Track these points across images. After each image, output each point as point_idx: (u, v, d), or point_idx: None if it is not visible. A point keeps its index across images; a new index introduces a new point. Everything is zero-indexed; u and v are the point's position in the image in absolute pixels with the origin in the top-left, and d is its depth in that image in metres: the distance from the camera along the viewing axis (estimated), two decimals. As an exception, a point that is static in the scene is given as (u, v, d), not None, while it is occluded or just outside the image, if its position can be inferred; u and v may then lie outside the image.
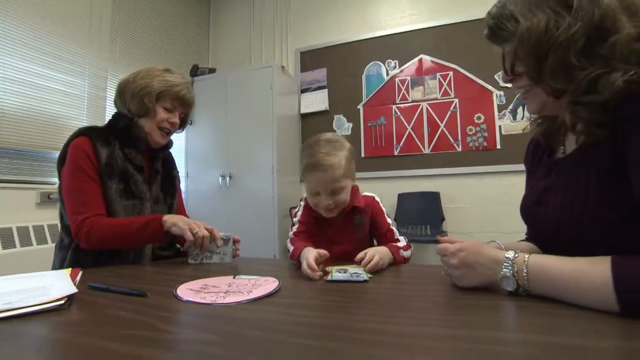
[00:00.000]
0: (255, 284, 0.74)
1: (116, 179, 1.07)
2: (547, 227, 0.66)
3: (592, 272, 0.49)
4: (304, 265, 0.81)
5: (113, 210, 1.05)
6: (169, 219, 1.02)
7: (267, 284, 0.73)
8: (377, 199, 1.09)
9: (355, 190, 1.05)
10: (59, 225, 1.13)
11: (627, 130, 0.50)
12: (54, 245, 2.10)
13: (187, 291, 0.69)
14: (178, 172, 1.34)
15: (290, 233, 1.05)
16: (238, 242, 1.12)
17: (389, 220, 1.06)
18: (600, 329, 0.44)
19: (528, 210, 0.72)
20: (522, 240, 0.79)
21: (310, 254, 0.82)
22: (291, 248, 0.97)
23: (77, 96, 2.44)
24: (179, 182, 1.34)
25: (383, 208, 1.08)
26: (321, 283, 0.75)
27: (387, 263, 0.89)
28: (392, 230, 1.03)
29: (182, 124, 1.26)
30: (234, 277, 0.80)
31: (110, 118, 1.18)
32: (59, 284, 0.70)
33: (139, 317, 0.56)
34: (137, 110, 1.13)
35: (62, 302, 0.59)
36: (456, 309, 0.58)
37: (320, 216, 1.02)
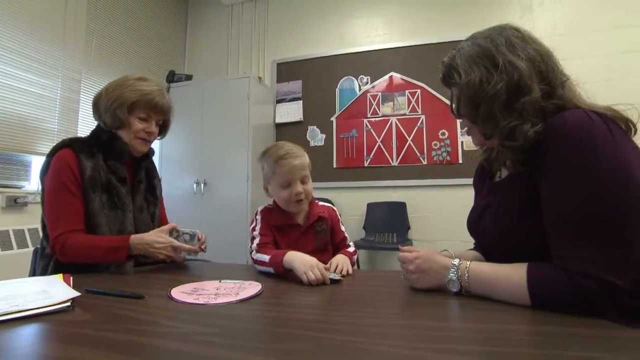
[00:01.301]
0: (241, 287, 0.83)
1: (99, 191, 1.09)
2: (486, 239, 0.81)
3: (513, 276, 0.63)
4: (312, 276, 0.84)
5: (96, 223, 1.07)
6: (135, 246, 1.03)
7: (251, 287, 0.82)
8: (334, 209, 1.19)
9: (314, 201, 1.13)
10: (41, 233, 1.14)
11: (539, 174, 0.65)
12: (20, 251, 2.04)
13: (180, 294, 0.76)
14: (160, 181, 1.37)
15: (254, 245, 1.04)
16: (201, 239, 1.15)
17: (343, 228, 1.19)
18: (517, 318, 0.59)
19: (473, 224, 0.87)
20: (471, 249, 0.94)
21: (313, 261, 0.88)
22: (266, 257, 0.96)
23: (49, 98, 2.38)
24: (161, 191, 1.37)
25: (339, 216, 1.19)
26: (299, 285, 0.85)
27: (349, 265, 1.02)
28: (346, 237, 1.18)
29: (163, 130, 1.28)
30: (220, 282, 0.89)
31: (93, 129, 1.19)
32: (57, 288, 0.75)
33: (142, 316, 0.63)
34: (112, 123, 1.14)
35: (68, 304, 0.65)
36: (413, 305, 0.71)
37: (280, 226, 1.08)
